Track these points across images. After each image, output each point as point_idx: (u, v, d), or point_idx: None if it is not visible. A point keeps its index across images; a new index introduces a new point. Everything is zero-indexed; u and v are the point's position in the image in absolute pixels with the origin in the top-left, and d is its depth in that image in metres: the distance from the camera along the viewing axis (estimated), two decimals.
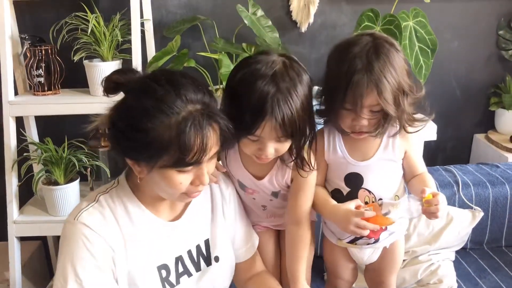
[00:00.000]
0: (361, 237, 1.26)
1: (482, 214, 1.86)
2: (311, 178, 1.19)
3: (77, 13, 1.85)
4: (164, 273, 1.09)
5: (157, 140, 0.91)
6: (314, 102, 1.16)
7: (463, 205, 1.87)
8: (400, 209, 1.13)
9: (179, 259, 1.12)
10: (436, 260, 1.78)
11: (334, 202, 1.22)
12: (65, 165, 1.85)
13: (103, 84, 1.01)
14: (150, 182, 1.02)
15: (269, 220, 1.34)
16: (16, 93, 1.93)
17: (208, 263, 1.16)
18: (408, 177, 1.26)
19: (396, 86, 1.10)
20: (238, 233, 1.26)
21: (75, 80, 1.97)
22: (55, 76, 1.94)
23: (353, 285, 1.52)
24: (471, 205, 1.86)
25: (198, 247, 1.15)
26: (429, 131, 2.04)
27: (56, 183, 1.87)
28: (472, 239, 1.93)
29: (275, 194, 1.26)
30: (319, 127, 1.26)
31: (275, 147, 1.08)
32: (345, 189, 1.24)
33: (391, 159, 1.23)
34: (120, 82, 1.00)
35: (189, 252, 1.14)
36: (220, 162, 1.25)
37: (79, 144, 1.86)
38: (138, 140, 0.93)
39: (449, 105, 2.35)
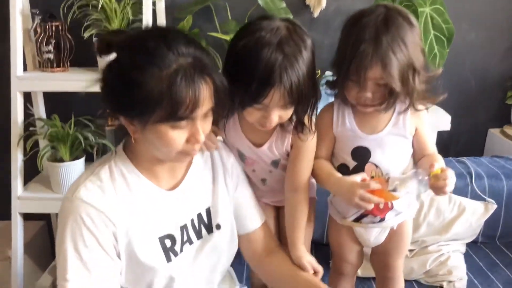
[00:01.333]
0: (366, 215, 1.23)
1: (495, 206, 1.81)
2: (311, 144, 1.18)
3: None
4: (168, 243, 1.06)
5: (149, 94, 0.89)
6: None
7: (475, 197, 1.82)
8: (407, 184, 1.10)
9: (184, 228, 1.10)
10: (446, 251, 1.73)
11: (339, 174, 1.19)
12: (71, 142, 1.83)
13: (96, 44, 0.98)
14: (145, 143, 1.00)
15: (269, 196, 1.32)
16: (25, 69, 1.92)
17: (210, 230, 1.14)
18: (418, 156, 1.22)
19: (405, 62, 1.07)
20: (244, 200, 1.22)
21: (85, 57, 1.95)
22: (65, 53, 1.92)
23: (359, 272, 1.48)
24: (484, 197, 1.81)
25: (199, 215, 1.13)
26: (443, 121, 1.99)
27: (61, 160, 1.85)
28: (484, 233, 1.87)
29: (275, 164, 1.24)
30: (330, 100, 1.23)
31: (279, 114, 1.07)
32: (352, 163, 1.21)
33: (401, 135, 1.19)
34: (113, 42, 0.98)
35: (192, 221, 1.12)
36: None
37: (86, 122, 1.85)
38: (130, 95, 0.91)
39: (464, 97, 2.29)
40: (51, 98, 2.07)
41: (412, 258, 1.71)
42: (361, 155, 1.20)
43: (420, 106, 1.16)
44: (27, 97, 1.95)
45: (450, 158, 1.98)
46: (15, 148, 1.85)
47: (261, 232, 1.24)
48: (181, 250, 1.09)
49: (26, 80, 1.85)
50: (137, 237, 1.02)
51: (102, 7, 1.81)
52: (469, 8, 2.18)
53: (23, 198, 1.88)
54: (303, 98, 1.05)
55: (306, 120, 1.14)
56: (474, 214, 1.79)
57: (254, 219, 1.23)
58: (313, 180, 1.27)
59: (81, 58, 1.96)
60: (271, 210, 1.36)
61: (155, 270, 1.04)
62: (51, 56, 1.90)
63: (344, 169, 1.22)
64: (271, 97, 1.01)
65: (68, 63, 1.95)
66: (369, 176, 1.17)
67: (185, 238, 1.10)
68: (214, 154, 1.18)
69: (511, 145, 2.20)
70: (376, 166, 1.20)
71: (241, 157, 1.24)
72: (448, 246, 1.76)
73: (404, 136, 1.20)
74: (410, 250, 1.74)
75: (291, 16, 1.94)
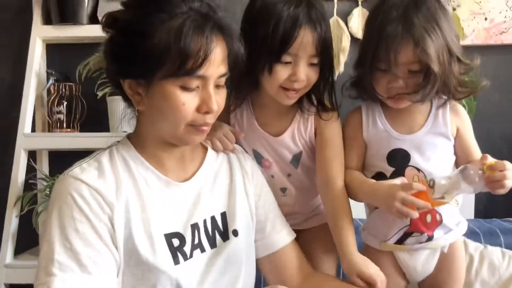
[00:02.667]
0: (411, 233, 1.03)
1: None
2: (336, 127, 1.08)
3: None
4: (176, 242, 0.88)
5: (156, 44, 0.81)
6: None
7: None
8: (457, 185, 0.93)
9: (195, 228, 0.91)
10: None
11: (373, 180, 1.02)
12: None
13: (103, 19, 0.91)
14: (151, 117, 0.88)
15: (288, 214, 1.11)
16: (33, 130, 1.86)
17: (225, 237, 0.94)
18: (464, 160, 1.05)
19: (441, 44, 0.96)
20: (270, 212, 1.04)
21: (96, 122, 1.90)
22: (76, 114, 1.87)
23: None
24: None
25: (213, 218, 0.94)
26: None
27: None
28: None
29: (295, 161, 1.10)
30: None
31: (307, 74, 1.00)
32: (389, 170, 1.05)
33: (443, 134, 1.05)
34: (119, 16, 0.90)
35: (205, 222, 0.93)
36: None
37: None
38: (137, 48, 0.82)
39: None
40: (57, 159, 1.96)
41: None
42: (399, 159, 1.04)
43: (460, 95, 1.03)
44: (32, 155, 1.85)
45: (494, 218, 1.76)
46: (11, 209, 1.70)
47: (292, 252, 1.03)
48: (191, 255, 0.89)
49: (31, 137, 1.78)
50: (139, 230, 0.84)
51: None
52: (489, 70, 2.13)
53: (12, 266, 1.67)
54: (327, 55, 1.00)
55: (326, 101, 1.08)
56: None
57: (284, 235, 1.03)
58: None
59: (92, 123, 1.91)
60: None
61: (159, 271, 0.84)
62: (62, 116, 1.86)
63: (380, 179, 1.04)
64: (301, 39, 0.96)
65: (78, 125, 1.89)
66: (411, 182, 0.99)
67: (196, 241, 0.90)
68: (231, 156, 1.03)
69: None
70: (418, 170, 1.03)
71: (257, 159, 1.10)
72: None
73: (445, 136, 1.05)
74: None
75: None
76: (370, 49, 1.00)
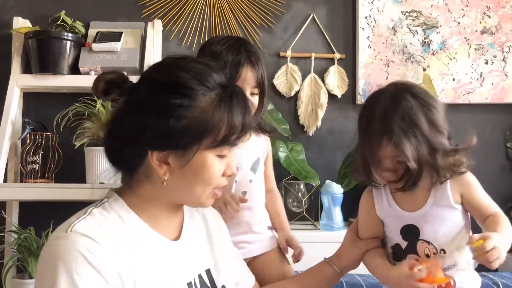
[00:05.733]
0: None
1: None
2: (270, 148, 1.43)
3: (86, 98, 1.83)
4: None
5: (200, 118, 0.83)
6: None
7: None
8: (459, 260, 1.04)
9: (191, 286, 0.89)
10: None
11: (386, 264, 1.12)
12: None
13: (94, 84, 0.88)
14: (176, 183, 0.86)
15: (244, 232, 1.29)
16: (5, 180, 1.79)
17: None
18: (481, 219, 1.08)
19: (418, 141, 1.02)
20: (237, 258, 1.09)
21: (72, 172, 1.86)
22: (51, 164, 1.82)
23: None
24: None
25: (200, 277, 0.93)
26: None
27: (30, 277, 1.59)
28: None
29: (255, 167, 1.33)
30: None
31: (251, 101, 1.20)
32: (403, 243, 1.12)
33: (447, 205, 1.08)
34: (114, 82, 0.88)
35: (197, 278, 0.91)
36: None
37: None
38: (172, 125, 0.82)
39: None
40: (28, 210, 1.88)
41: None
42: (410, 234, 1.11)
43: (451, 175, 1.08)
44: (3, 208, 1.77)
45: None
46: None
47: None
48: None
49: (2, 188, 1.70)
50: None
51: (96, 115, 1.79)
52: (456, 130, 2.22)
53: None
54: (264, 87, 1.26)
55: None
56: None
57: (250, 280, 1.11)
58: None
59: (68, 173, 1.86)
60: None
61: None
62: (36, 166, 1.80)
63: (398, 250, 1.13)
64: (244, 76, 1.22)
65: (53, 176, 1.84)
66: (423, 254, 1.08)
67: None
68: (199, 210, 1.03)
69: None
70: (428, 243, 1.09)
71: None
72: None
73: (450, 206, 1.08)
74: None
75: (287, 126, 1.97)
76: (359, 147, 1.09)
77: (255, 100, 1.26)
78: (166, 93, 0.84)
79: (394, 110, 1.03)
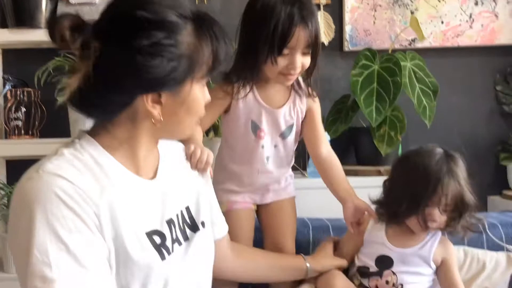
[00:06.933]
0: None
1: None
2: (319, 108, 1.36)
3: (67, 52, 1.79)
4: (158, 239, 0.87)
5: (190, 51, 0.83)
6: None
7: (493, 247, 1.60)
8: None
9: (171, 223, 0.91)
10: None
11: None
12: None
13: (56, 35, 0.81)
14: (161, 123, 0.86)
15: (258, 188, 1.33)
16: None
17: (195, 229, 0.97)
18: None
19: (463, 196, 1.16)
20: (214, 203, 1.12)
21: (56, 128, 1.84)
22: (35, 121, 1.81)
23: None
24: (505, 245, 1.59)
25: (181, 213, 0.96)
26: None
27: None
28: None
29: (285, 133, 1.30)
30: None
31: (302, 61, 1.18)
32: (373, 268, 1.25)
33: (424, 260, 1.22)
34: (76, 27, 0.81)
35: (177, 217, 0.94)
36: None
37: None
38: (165, 65, 0.80)
39: None
40: (15, 167, 1.88)
41: None
42: (383, 263, 1.23)
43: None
44: None
45: None
46: None
47: (227, 240, 1.17)
48: (172, 250, 0.90)
49: None
50: (126, 230, 0.82)
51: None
52: (446, 74, 2.21)
53: None
54: (317, 46, 1.18)
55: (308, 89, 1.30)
56: (497, 269, 1.56)
57: (223, 226, 1.15)
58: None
59: (53, 128, 1.84)
60: (250, 212, 1.34)
61: (149, 269, 0.83)
62: (20, 123, 1.79)
63: (364, 270, 1.25)
64: (297, 36, 1.14)
65: (38, 132, 1.83)
66: (385, 280, 1.22)
67: (174, 235, 0.91)
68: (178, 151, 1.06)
69: None
70: (394, 274, 1.22)
71: (254, 129, 1.27)
72: None
73: (426, 262, 1.22)
74: None
75: None
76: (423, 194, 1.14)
77: (306, 60, 1.19)
78: (154, 31, 0.80)
79: (455, 165, 1.20)
